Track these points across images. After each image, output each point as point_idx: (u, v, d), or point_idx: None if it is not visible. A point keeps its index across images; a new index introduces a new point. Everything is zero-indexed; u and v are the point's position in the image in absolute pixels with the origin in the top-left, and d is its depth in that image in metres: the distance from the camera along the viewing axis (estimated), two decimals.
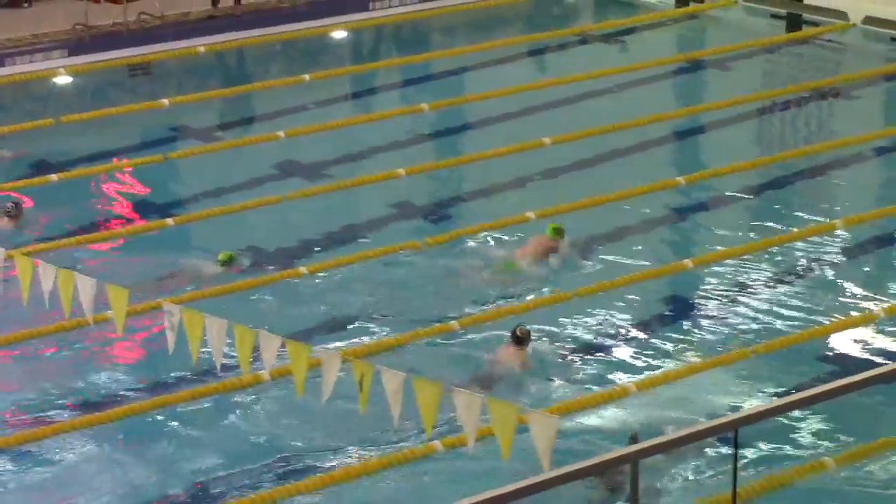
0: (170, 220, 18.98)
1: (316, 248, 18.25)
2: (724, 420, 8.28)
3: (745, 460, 13.64)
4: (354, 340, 16.15)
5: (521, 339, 15.71)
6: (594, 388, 15.29)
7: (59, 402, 15.13)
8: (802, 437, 14.50)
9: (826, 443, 14.44)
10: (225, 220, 19.05)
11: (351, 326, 16.59)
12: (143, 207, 19.51)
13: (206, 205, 19.51)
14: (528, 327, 15.76)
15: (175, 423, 14.77)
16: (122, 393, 15.27)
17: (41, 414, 14.88)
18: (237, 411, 14.96)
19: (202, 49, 25.11)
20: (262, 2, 27.03)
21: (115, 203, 19.64)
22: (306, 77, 23.85)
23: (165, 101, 22.74)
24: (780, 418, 13.63)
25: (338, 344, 15.82)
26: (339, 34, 26.25)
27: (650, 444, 8.17)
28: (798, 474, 13.94)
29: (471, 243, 18.39)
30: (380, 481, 13.89)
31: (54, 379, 15.50)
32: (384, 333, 16.30)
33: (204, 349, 12.51)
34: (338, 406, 14.31)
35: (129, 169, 20.69)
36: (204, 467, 14.13)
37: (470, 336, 16.26)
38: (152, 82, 24.09)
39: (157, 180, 20.39)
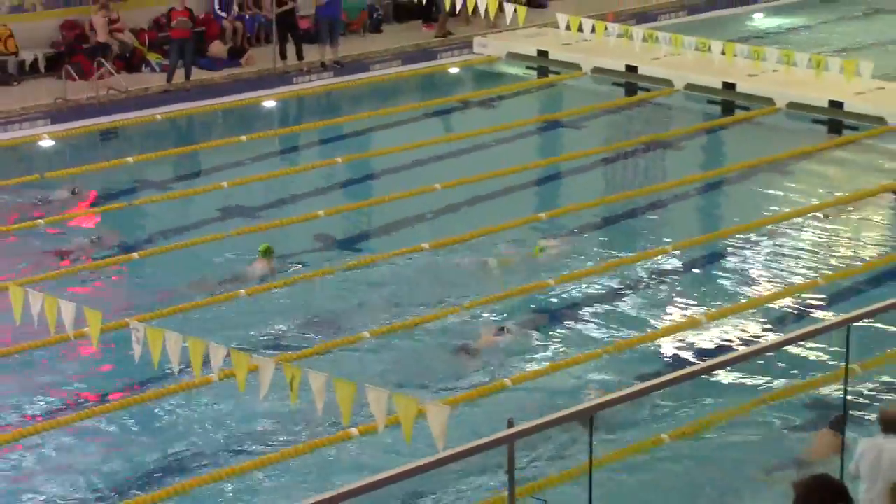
0: (135, 255, 18.81)
1: (251, 276, 18.09)
2: (582, 407, 8.28)
3: (602, 439, 13.67)
4: (288, 348, 16.08)
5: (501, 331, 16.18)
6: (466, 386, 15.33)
7: (47, 402, 14.97)
8: (644, 418, 14.56)
9: (664, 423, 14.52)
10: (179, 253, 18.90)
11: (282, 337, 16.50)
12: (113, 244, 19.29)
13: (164, 242, 19.33)
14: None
15: (140, 418, 14.63)
16: (98, 394, 15.11)
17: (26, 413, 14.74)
18: (193, 407, 14.83)
19: (159, 117, 24.94)
20: (208, 78, 26.89)
21: (89, 241, 19.38)
22: (243, 138, 23.73)
23: (130, 159, 22.54)
24: (627, 405, 13.67)
25: (271, 351, 15.75)
26: (270, 103, 26.16)
27: (523, 428, 8.16)
28: (641, 448, 14.02)
29: (375, 269, 18.36)
30: (309, 462, 13.81)
31: (43, 385, 15.32)
32: (309, 343, 16.23)
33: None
34: (273, 401, 14.25)
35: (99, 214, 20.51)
36: (161, 452, 14.01)
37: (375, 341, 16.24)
38: (119, 144, 23.87)
39: (124, 222, 20.19)
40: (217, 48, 27.89)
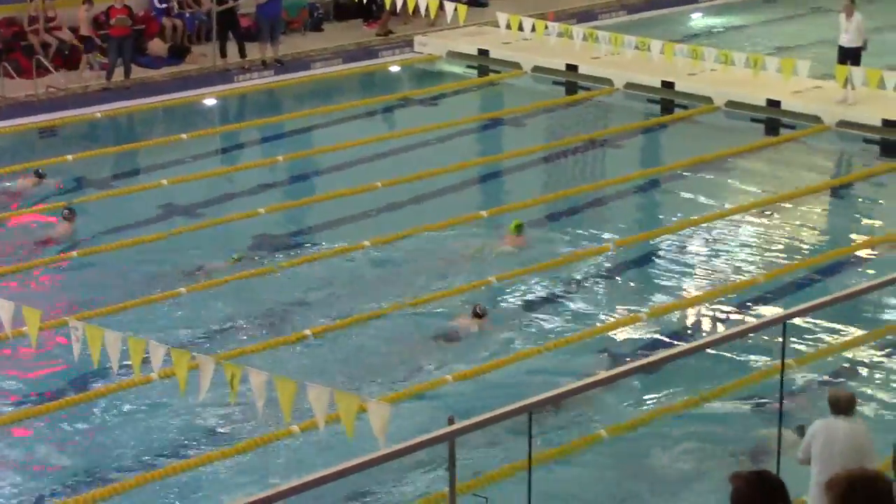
0: (74, 253, 18.66)
1: (195, 273, 18.02)
2: (521, 404, 8.28)
3: (543, 435, 13.70)
4: (230, 346, 16.01)
5: (479, 315, 16.42)
6: (408, 383, 15.33)
7: None
8: (585, 414, 14.60)
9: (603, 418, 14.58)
10: (120, 252, 18.76)
11: (224, 335, 16.43)
12: (53, 243, 19.12)
13: (104, 240, 19.19)
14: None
15: (80, 417, 14.52)
16: (35, 393, 15.00)
17: None
18: (132, 406, 14.73)
19: (99, 115, 24.76)
20: (148, 76, 26.73)
21: (28, 240, 19.22)
22: (184, 136, 23.60)
23: (69, 157, 22.36)
24: (569, 401, 13.70)
25: (216, 348, 15.68)
26: (210, 101, 26.04)
27: (463, 425, 8.15)
28: (582, 444, 14.07)
29: (317, 266, 18.32)
30: (249, 458, 13.76)
31: None
32: (251, 341, 16.17)
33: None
34: (215, 399, 14.20)
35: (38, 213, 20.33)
36: (103, 449, 13.91)
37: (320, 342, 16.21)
38: (58, 142, 23.66)
39: (63, 221, 19.99)
40: (157, 46, 27.73)
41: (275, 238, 19.38)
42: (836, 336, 16.43)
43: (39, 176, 21.14)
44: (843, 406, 11.14)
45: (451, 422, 8.20)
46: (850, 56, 24.51)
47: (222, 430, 14.25)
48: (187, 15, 28.77)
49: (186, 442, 14.08)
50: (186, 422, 14.40)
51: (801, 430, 12.12)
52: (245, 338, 16.31)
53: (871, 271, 18.09)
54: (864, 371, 15.82)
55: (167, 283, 17.58)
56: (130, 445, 13.98)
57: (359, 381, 15.27)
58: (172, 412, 14.52)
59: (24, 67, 25.71)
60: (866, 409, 14.30)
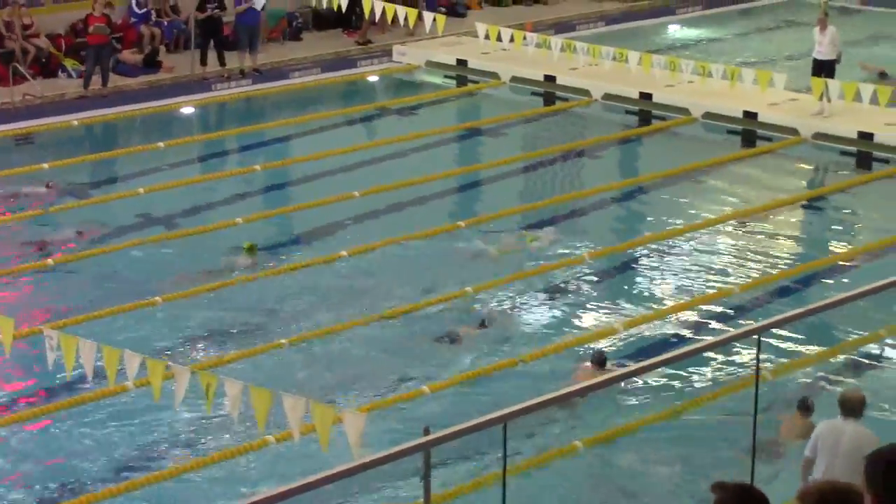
0: (49, 261, 18.57)
1: (170, 282, 17.95)
2: (496, 414, 8.25)
3: (517, 451, 13.68)
4: (207, 355, 15.95)
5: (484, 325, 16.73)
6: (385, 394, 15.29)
7: None
8: (559, 426, 14.58)
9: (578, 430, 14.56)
10: (96, 259, 18.69)
11: (201, 344, 16.38)
12: (29, 251, 19.04)
13: (80, 249, 19.11)
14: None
15: (54, 426, 14.45)
16: (9, 401, 14.91)
17: None
18: (107, 415, 14.66)
19: (75, 122, 24.69)
20: (125, 84, 26.66)
21: (3, 248, 19.15)
22: (161, 145, 23.53)
23: (45, 165, 22.27)
24: (543, 413, 13.69)
25: (199, 356, 15.62)
26: (188, 109, 25.99)
27: (439, 435, 8.12)
28: (556, 455, 14.05)
29: (294, 276, 18.27)
30: (223, 469, 13.70)
31: None
32: (227, 350, 16.12)
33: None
34: (191, 409, 14.14)
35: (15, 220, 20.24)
36: (78, 458, 13.84)
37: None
38: (34, 150, 23.57)
39: (39, 230, 19.92)
40: (128, 56, 27.50)
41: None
42: (813, 347, 16.46)
43: (48, 187, 21.15)
44: (851, 407, 11.27)
45: (426, 432, 8.17)
46: (824, 69, 24.57)
47: (197, 440, 14.18)
48: (165, 23, 28.70)
49: (161, 452, 14.01)
50: (161, 432, 14.32)
51: (804, 405, 12.15)
52: (222, 347, 16.26)
53: (847, 283, 18.12)
54: (838, 382, 15.84)
55: (143, 292, 17.50)
56: (104, 455, 13.90)
57: (336, 390, 15.22)
58: (147, 422, 14.44)
59: (1, 75, 25.62)
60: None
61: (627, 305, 17.76)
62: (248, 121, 26.06)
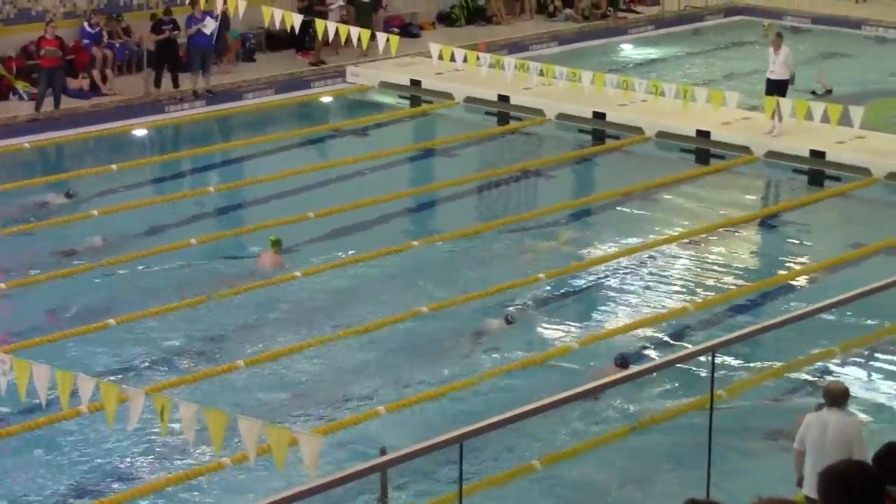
0: (2, 285, 18.43)
1: (123, 305, 17.87)
2: (452, 434, 8.27)
3: (474, 467, 13.68)
4: (163, 376, 15.89)
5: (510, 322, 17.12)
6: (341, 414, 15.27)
7: None
8: (515, 445, 14.60)
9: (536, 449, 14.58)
10: (50, 282, 18.57)
11: (157, 366, 16.30)
12: None
13: (31, 273, 18.96)
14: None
15: (8, 451, 14.34)
16: None
17: None
18: (61, 439, 14.56)
19: (27, 145, 24.57)
20: (78, 106, 26.55)
21: None
22: (114, 167, 23.44)
23: None
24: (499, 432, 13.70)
25: (157, 377, 15.53)
26: (141, 132, 25.92)
27: (395, 456, 8.14)
28: (514, 474, 14.06)
29: (249, 297, 18.22)
30: (180, 492, 13.64)
31: None
32: (181, 372, 16.06)
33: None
34: (147, 432, 14.08)
35: None
36: (32, 483, 13.74)
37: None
38: None
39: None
40: (73, 83, 27.22)
41: (206, 270, 19.24)
42: (767, 364, 16.56)
43: (69, 196, 21.63)
44: (834, 399, 11.82)
45: (382, 453, 8.18)
46: (777, 88, 24.74)
47: (153, 463, 14.11)
48: (117, 45, 28.61)
49: (116, 475, 13.93)
50: (115, 455, 14.25)
51: (820, 408, 12.46)
52: (177, 369, 16.19)
53: (800, 300, 18.23)
54: (796, 397, 15.94)
55: (97, 315, 17.41)
56: (57, 480, 13.81)
57: (292, 411, 15.18)
58: (102, 446, 14.36)
59: None
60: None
61: (580, 324, 17.80)
62: (202, 142, 25.99)
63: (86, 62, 27.81)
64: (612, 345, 17.06)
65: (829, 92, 28.36)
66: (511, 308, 17.69)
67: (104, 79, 27.54)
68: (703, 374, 15.41)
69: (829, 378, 15.42)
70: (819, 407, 13.15)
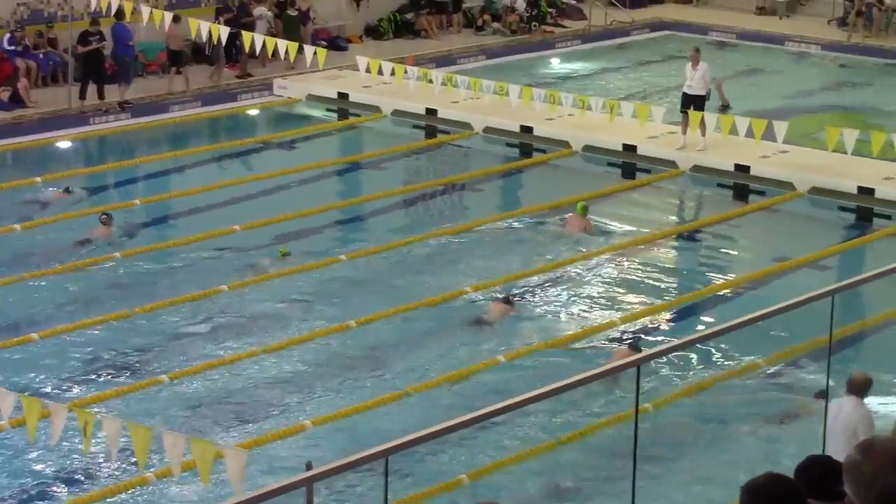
0: None
1: (49, 318, 17.72)
2: (378, 449, 8.23)
3: (404, 478, 13.68)
4: (87, 391, 15.76)
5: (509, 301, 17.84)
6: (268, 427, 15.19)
7: None
8: (442, 459, 14.61)
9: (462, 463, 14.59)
10: None
11: (76, 382, 16.17)
12: None
13: None
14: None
15: None
16: None
17: None
18: None
19: None
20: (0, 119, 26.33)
21: None
22: (38, 180, 23.23)
23: None
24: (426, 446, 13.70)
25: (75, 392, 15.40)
26: (65, 144, 25.72)
27: (322, 470, 8.09)
28: (442, 489, 14.07)
29: (173, 311, 18.11)
30: None
31: None
32: (105, 387, 15.93)
33: None
34: (69, 448, 13.96)
35: None
36: None
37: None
38: None
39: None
40: None
41: (128, 286, 19.10)
42: (692, 377, 16.68)
43: (68, 192, 22.27)
44: (851, 386, 12.21)
45: (308, 467, 8.15)
46: (693, 103, 24.78)
47: (76, 479, 13.99)
48: (41, 56, 28.37)
49: (38, 493, 13.79)
50: (38, 471, 14.10)
51: (822, 394, 12.65)
52: (102, 383, 16.06)
53: (725, 313, 18.37)
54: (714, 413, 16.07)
55: (20, 330, 17.25)
56: None
57: (218, 425, 15.11)
58: (24, 461, 14.22)
59: None
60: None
61: (509, 338, 17.84)
62: (127, 155, 25.83)
63: (9, 74, 27.55)
64: (538, 358, 17.12)
65: (726, 107, 28.46)
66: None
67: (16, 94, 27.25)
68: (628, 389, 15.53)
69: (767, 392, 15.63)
70: (820, 393, 13.52)
